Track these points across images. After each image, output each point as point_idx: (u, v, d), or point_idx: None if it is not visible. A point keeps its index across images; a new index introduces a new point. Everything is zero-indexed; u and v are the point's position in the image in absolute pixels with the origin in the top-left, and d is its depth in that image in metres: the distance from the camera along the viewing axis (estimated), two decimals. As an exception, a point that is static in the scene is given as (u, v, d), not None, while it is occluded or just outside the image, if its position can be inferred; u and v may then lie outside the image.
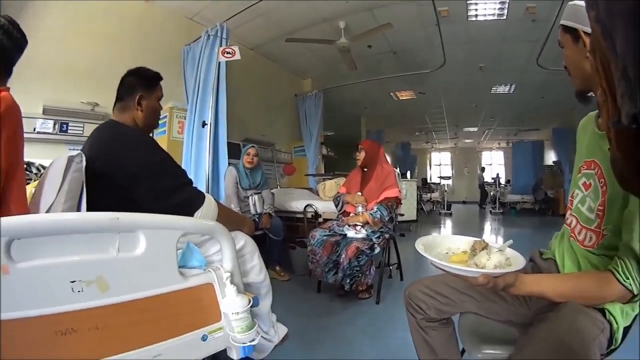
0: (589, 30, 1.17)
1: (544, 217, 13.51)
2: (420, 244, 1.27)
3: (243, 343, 1.44)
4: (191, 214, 1.78)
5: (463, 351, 1.73)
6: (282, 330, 2.50)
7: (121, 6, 5.11)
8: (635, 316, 1.26)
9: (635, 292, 1.11)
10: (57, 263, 1.07)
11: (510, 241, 1.22)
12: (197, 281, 1.42)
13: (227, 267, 1.54)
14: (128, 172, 1.72)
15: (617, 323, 1.20)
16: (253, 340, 1.46)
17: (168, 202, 1.75)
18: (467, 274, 1.12)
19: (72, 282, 1.09)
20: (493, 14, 6.73)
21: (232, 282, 1.48)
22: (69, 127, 4.37)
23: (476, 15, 6.80)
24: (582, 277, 1.26)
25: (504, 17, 6.77)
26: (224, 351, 1.50)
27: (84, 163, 1.53)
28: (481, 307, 1.57)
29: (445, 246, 1.35)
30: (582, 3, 1.22)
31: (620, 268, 1.12)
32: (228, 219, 1.99)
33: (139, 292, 1.25)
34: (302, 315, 3.28)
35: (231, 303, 1.43)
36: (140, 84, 2.04)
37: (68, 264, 1.09)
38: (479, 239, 1.26)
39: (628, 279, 1.10)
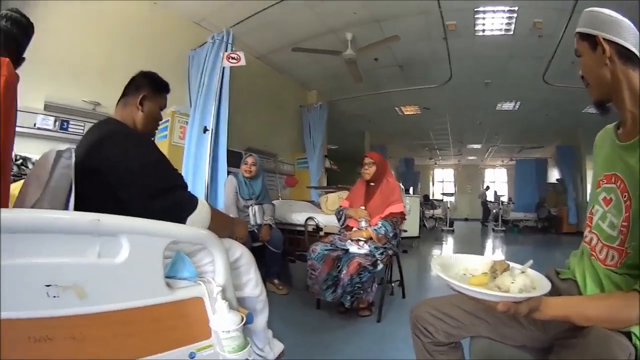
0: (608, 36, 1.19)
1: (547, 235, 13.66)
2: (436, 264, 1.17)
3: (235, 364, 1.33)
4: (182, 219, 1.68)
5: (473, 374, 1.64)
6: (279, 347, 2.42)
7: (129, 6, 5.08)
8: None
9: None
10: (32, 264, 1.02)
11: (531, 261, 1.13)
12: (186, 294, 1.33)
13: (219, 280, 1.44)
14: (121, 169, 1.64)
15: None
16: (246, 360, 1.34)
17: (159, 203, 1.65)
18: (491, 298, 1.03)
19: (48, 286, 1.02)
20: (500, 29, 6.80)
21: (223, 298, 1.37)
22: (70, 125, 4.29)
23: (483, 30, 6.86)
24: (608, 299, 1.17)
25: (511, 33, 6.84)
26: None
27: (74, 159, 1.44)
28: (494, 331, 1.46)
29: (461, 266, 1.26)
30: (600, 9, 1.20)
31: None
32: (222, 225, 1.94)
33: (120, 302, 1.16)
34: (300, 331, 3.17)
35: (222, 320, 1.32)
36: (148, 85, 2.02)
37: (44, 266, 1.03)
38: (499, 260, 1.17)
39: None
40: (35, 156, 3.00)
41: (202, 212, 1.76)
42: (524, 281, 1.06)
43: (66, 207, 1.39)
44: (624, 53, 1.18)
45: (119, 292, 1.16)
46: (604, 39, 1.19)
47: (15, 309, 0.97)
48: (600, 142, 1.45)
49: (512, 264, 1.15)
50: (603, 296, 1.24)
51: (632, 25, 1.20)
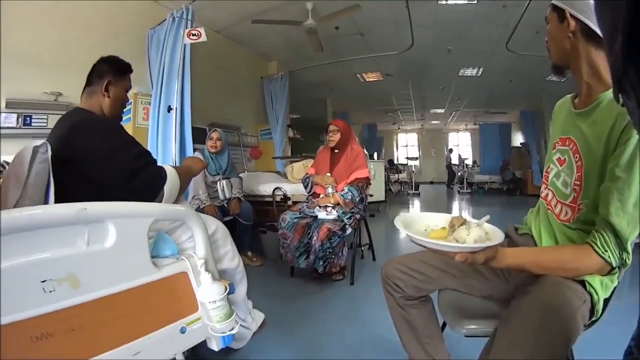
0: (575, 13, 1.27)
1: (512, 197, 13.97)
2: (399, 222, 1.25)
3: (223, 332, 1.41)
4: (160, 190, 1.79)
5: (444, 325, 1.76)
6: (260, 316, 2.49)
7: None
8: (614, 288, 1.29)
9: (614, 265, 1.16)
10: (25, 262, 1.02)
11: (488, 216, 1.21)
12: (171, 271, 1.38)
13: (200, 254, 1.50)
14: (96, 155, 1.69)
15: (597, 294, 1.22)
16: (232, 329, 1.43)
17: (137, 182, 1.73)
18: (447, 249, 1.12)
19: (43, 281, 1.04)
20: (464, -3, 6.72)
21: (206, 270, 1.44)
22: (33, 120, 4.13)
23: (446, -2, 6.78)
24: (562, 250, 1.30)
25: (475, 1, 6.78)
26: (203, 343, 1.46)
27: (50, 153, 1.46)
28: (460, 284, 1.58)
29: (423, 223, 1.34)
30: None
31: (599, 241, 1.16)
32: (185, 175, 2.09)
33: (112, 286, 1.20)
34: (278, 301, 3.25)
35: (207, 291, 1.39)
36: (111, 70, 2.02)
37: (37, 262, 1.04)
38: (456, 216, 1.25)
39: (606, 251, 1.15)
40: (2, 157, 2.91)
41: (172, 177, 1.85)
42: (478, 233, 1.14)
43: (46, 201, 1.41)
44: (589, 32, 1.27)
45: (110, 277, 1.19)
46: (570, 14, 1.28)
47: (14, 311, 0.97)
48: (558, 109, 1.57)
49: (469, 219, 1.22)
50: (557, 248, 1.36)
51: None
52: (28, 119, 4.11)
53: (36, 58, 4.32)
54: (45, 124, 4.15)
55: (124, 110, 2.21)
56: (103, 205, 1.20)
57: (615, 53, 0.49)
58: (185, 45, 4.33)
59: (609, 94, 1.25)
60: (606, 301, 1.28)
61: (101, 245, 1.19)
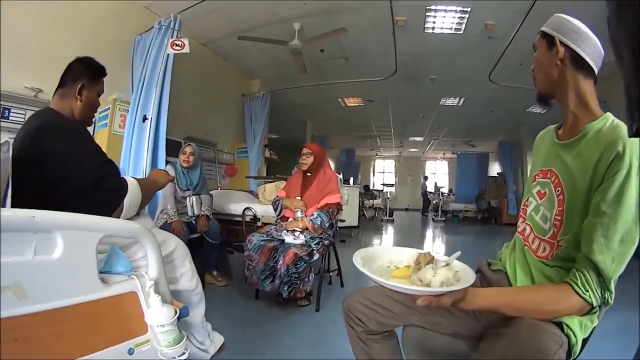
0: (564, 40, 1.28)
1: (486, 225, 14.27)
2: (358, 258, 1.19)
3: (172, 357, 1.34)
4: (121, 201, 1.72)
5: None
6: (219, 339, 2.44)
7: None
8: (594, 328, 1.24)
9: (595, 305, 1.12)
10: None
11: (458, 252, 1.17)
12: (120, 289, 1.33)
13: (151, 274, 1.45)
14: (64, 157, 1.63)
15: (575, 337, 1.16)
16: (183, 354, 1.36)
17: (98, 191, 1.67)
18: (409, 291, 1.06)
19: None
20: (450, 28, 6.85)
21: (156, 291, 1.37)
22: (11, 114, 4.01)
23: (433, 28, 6.90)
24: (539, 290, 1.25)
25: (461, 32, 6.90)
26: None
27: (11, 152, 1.40)
28: (425, 320, 1.51)
29: (386, 259, 1.28)
30: (569, 17, 1.29)
31: (579, 280, 1.11)
32: (149, 188, 2.00)
33: (58, 300, 1.14)
34: (240, 323, 3.17)
35: (156, 314, 1.33)
36: (85, 73, 1.97)
37: None
38: (424, 252, 1.20)
39: (587, 291, 1.10)
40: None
41: (133, 189, 1.80)
42: (445, 274, 1.08)
43: (3, 203, 1.35)
44: (578, 60, 1.27)
45: (56, 290, 1.14)
46: (560, 41, 1.28)
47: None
48: (540, 140, 1.55)
49: (437, 256, 1.17)
50: (534, 288, 1.31)
51: (597, 41, 1.28)
52: (7, 111, 4.00)
53: (21, 50, 4.20)
54: (22, 119, 4.00)
55: (95, 115, 2.16)
56: (52, 214, 1.15)
57: None
58: (167, 55, 4.28)
59: (597, 124, 1.24)
60: (584, 340, 1.23)
61: (48, 256, 1.13)
